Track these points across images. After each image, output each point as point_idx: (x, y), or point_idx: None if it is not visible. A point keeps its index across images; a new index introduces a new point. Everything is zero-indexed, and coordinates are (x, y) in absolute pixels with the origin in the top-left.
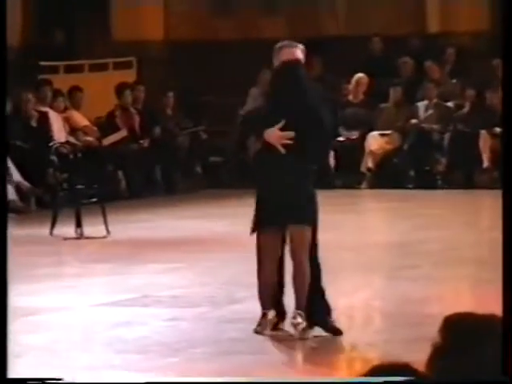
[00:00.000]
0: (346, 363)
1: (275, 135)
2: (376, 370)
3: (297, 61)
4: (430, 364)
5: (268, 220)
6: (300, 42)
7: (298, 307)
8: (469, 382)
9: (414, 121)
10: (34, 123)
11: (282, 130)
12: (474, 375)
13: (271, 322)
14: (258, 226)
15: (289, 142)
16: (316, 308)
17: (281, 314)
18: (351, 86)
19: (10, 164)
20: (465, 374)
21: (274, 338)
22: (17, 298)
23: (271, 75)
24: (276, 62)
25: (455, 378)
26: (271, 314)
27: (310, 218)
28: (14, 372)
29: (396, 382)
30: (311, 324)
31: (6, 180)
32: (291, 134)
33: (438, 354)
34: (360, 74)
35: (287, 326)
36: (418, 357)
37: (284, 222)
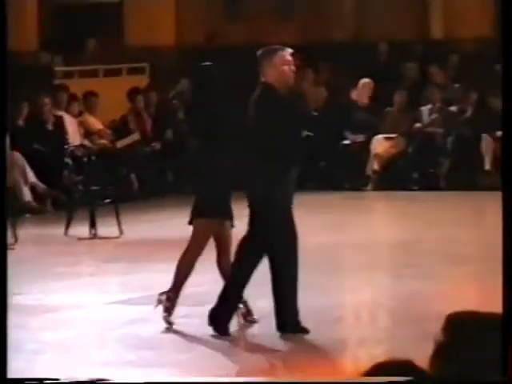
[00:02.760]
0: (352, 359)
1: None
2: (379, 367)
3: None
4: (433, 361)
5: None
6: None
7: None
8: (469, 381)
9: (418, 125)
10: (50, 127)
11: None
12: (475, 372)
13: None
14: None
15: None
16: (288, 312)
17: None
18: (357, 91)
19: (27, 166)
20: (466, 370)
21: (282, 336)
22: (33, 296)
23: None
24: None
25: (456, 377)
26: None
27: None
28: (32, 369)
29: (396, 382)
30: (281, 329)
31: (5, 181)
32: None
33: (440, 351)
34: (365, 79)
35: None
36: (423, 354)
37: None
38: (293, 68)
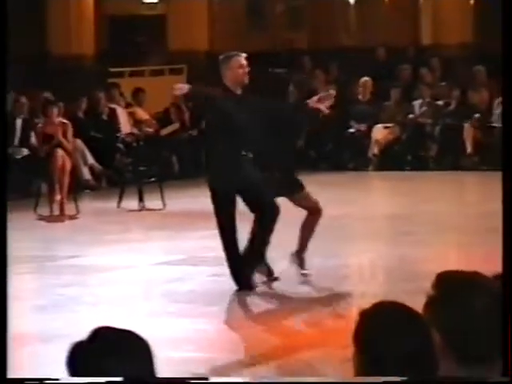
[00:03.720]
0: (356, 307)
1: None
2: (378, 305)
3: None
4: (425, 310)
5: None
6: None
7: None
8: (469, 381)
9: (410, 116)
10: (105, 117)
11: None
12: (460, 319)
13: None
14: None
15: None
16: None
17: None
18: (360, 88)
19: (86, 150)
20: (452, 319)
21: (300, 290)
22: (91, 257)
23: None
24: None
25: (457, 378)
26: None
27: None
28: (89, 320)
29: (396, 382)
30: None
31: (6, 171)
32: None
33: (431, 303)
34: (365, 78)
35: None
36: (415, 305)
37: None
38: (246, 70)
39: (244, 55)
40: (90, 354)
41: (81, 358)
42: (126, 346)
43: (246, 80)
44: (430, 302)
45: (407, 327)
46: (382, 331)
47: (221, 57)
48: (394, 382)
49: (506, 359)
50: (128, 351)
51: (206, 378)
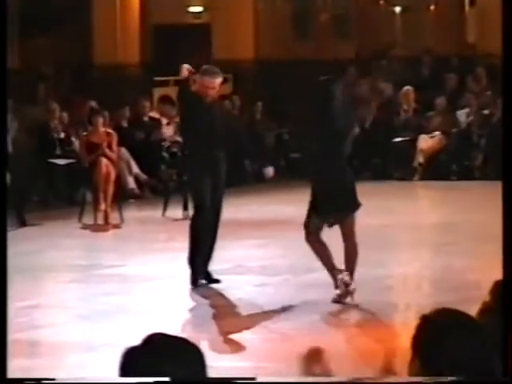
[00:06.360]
0: (401, 319)
1: None
2: (439, 311)
3: None
4: (479, 318)
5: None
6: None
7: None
8: (469, 382)
9: (456, 125)
10: (150, 126)
11: None
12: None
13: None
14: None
15: None
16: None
17: None
18: (403, 97)
19: (131, 159)
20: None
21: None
22: (136, 267)
23: None
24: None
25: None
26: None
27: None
28: (136, 329)
29: (403, 383)
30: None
31: (5, 179)
32: None
33: (486, 309)
34: (407, 87)
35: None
36: None
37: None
38: (214, 92)
39: (220, 78)
40: (144, 358)
41: (134, 362)
42: (181, 352)
43: (211, 94)
44: (486, 308)
45: (469, 332)
46: (444, 335)
47: (203, 67)
48: (402, 383)
49: (506, 359)
50: (182, 357)
51: (254, 379)
